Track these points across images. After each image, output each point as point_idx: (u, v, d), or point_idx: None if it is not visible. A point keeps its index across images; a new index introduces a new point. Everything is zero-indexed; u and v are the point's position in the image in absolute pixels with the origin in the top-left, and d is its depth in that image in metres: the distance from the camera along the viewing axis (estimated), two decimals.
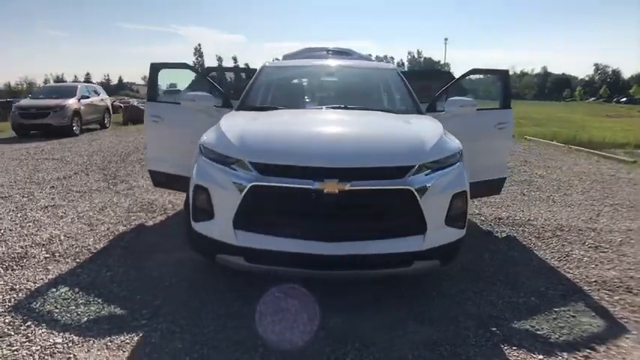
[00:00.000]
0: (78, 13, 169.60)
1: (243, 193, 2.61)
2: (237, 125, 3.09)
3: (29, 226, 4.27)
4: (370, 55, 7.05)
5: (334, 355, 2.34)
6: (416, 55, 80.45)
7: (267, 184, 2.60)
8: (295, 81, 4.59)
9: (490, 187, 4.63)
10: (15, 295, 2.88)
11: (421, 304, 2.91)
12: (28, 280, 3.09)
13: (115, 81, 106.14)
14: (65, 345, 2.37)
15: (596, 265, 3.65)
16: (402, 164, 2.66)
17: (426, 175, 2.70)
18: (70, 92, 13.39)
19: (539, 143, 11.92)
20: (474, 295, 3.07)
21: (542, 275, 3.43)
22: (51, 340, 2.40)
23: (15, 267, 3.32)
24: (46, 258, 3.50)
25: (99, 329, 2.54)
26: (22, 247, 3.69)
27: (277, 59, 6.30)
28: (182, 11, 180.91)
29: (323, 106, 3.80)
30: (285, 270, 2.71)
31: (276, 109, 3.75)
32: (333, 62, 4.75)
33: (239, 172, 2.68)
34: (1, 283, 3.04)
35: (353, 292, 3.00)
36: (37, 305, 2.77)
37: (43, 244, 3.77)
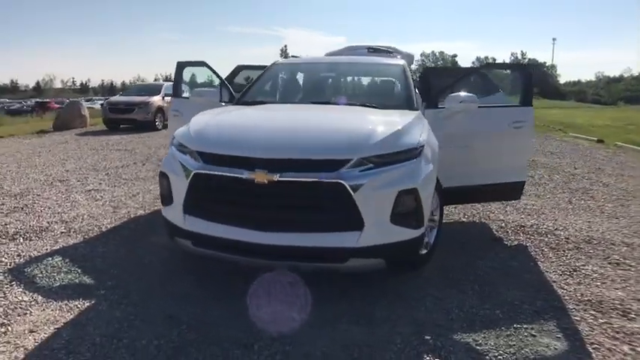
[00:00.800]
0: (190, 17, 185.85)
1: (189, 180, 2.77)
2: (203, 118, 3.26)
3: (66, 205, 4.90)
4: (412, 54, 6.79)
5: (245, 342, 2.38)
6: (519, 57, 74.44)
7: (207, 172, 2.72)
8: (298, 77, 4.65)
9: (504, 191, 4.25)
10: (17, 261, 3.37)
11: (368, 304, 2.80)
12: (35, 250, 3.59)
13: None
14: (29, 303, 2.73)
15: (603, 283, 3.17)
16: (334, 157, 2.59)
17: (365, 170, 2.59)
18: (155, 90, 14.90)
19: (631, 151, 10.43)
20: (432, 301, 2.87)
21: (528, 288, 3.07)
22: (19, 298, 2.79)
23: (33, 238, 3.86)
24: (62, 233, 4.01)
25: (63, 294, 2.87)
26: (48, 222, 4.27)
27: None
28: (287, 15, 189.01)
29: (309, 102, 3.83)
30: (225, 256, 2.80)
31: (263, 103, 3.86)
32: (343, 59, 4.73)
33: (190, 160, 2.84)
34: (13, 250, 3.57)
35: (315, 284, 2.95)
36: (28, 270, 3.22)
37: (66, 221, 4.31)
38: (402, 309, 2.76)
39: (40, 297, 2.82)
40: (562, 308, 2.80)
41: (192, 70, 5.95)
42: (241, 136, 2.87)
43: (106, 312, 2.66)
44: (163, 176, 3.03)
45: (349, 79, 4.44)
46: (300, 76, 4.63)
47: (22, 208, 4.72)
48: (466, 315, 2.70)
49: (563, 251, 3.80)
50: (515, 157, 4.17)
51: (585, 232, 4.28)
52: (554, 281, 3.20)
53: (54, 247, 3.65)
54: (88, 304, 2.75)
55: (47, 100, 26.58)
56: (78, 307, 2.70)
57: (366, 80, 4.28)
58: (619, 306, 2.83)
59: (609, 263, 3.55)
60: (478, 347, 2.38)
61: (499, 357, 2.30)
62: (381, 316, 2.68)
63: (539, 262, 3.56)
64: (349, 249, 2.59)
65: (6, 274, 3.13)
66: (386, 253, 2.70)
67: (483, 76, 5.18)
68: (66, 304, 2.73)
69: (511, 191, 4.28)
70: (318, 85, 4.41)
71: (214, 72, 4.66)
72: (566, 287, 3.10)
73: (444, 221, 4.59)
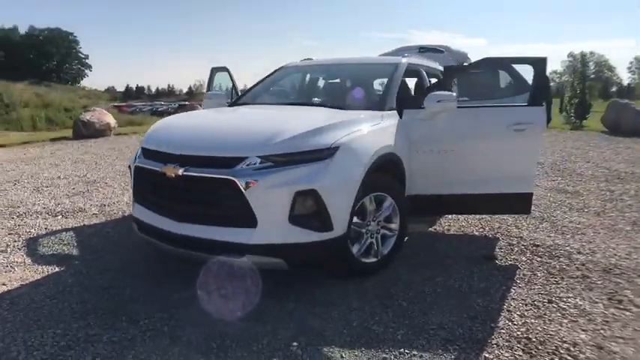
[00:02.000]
0: (329, 24, 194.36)
1: (132, 171, 3.15)
2: (163, 120, 3.62)
3: (105, 192, 5.76)
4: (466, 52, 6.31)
5: (137, 318, 2.60)
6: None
7: (141, 165, 3.04)
8: (295, 79, 4.71)
9: (504, 203, 3.71)
10: (40, 232, 4.15)
11: (284, 301, 2.78)
12: (60, 225, 4.37)
13: None
14: (18, 264, 3.38)
15: (572, 322, 2.58)
16: (231, 155, 2.65)
17: (260, 168, 2.60)
18: None
19: None
20: (344, 310, 2.69)
21: (466, 314, 2.67)
22: (15, 259, 3.47)
23: (69, 216, 4.68)
24: (93, 214, 4.78)
25: (48, 260, 3.48)
26: (90, 205, 5.12)
27: None
28: (427, 19, 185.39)
29: (288, 103, 3.90)
30: (157, 244, 3.07)
31: (245, 104, 4.07)
32: (345, 60, 4.64)
33: (137, 155, 3.20)
34: (46, 224, 4.39)
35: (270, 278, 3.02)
36: (41, 240, 3.95)
37: (101, 205, 5.09)
38: (304, 313, 2.67)
39: (30, 260, 3.47)
40: (484, 343, 2.39)
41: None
42: (170, 135, 3.12)
43: (63, 278, 3.16)
44: (129, 169, 3.45)
45: (340, 80, 4.38)
46: (296, 79, 4.71)
47: (84, 193, 5.72)
48: (362, 330, 2.49)
49: (561, 278, 3.17)
50: (517, 165, 3.60)
51: (615, 260, 3.49)
52: (508, 311, 2.72)
53: (74, 225, 4.39)
54: (58, 270, 3.30)
55: (187, 102, 30.88)
56: (48, 271, 3.26)
57: (356, 81, 4.17)
58: (563, 351, 2.30)
59: (605, 296, 2.88)
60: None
61: None
62: (277, 315, 2.65)
63: (513, 288, 3.04)
64: (243, 245, 2.63)
65: (24, 241, 3.91)
66: (285, 253, 2.66)
67: (514, 74, 4.57)
68: (43, 268, 3.32)
69: (515, 203, 3.70)
70: (308, 86, 4.44)
71: (230, 76, 5.03)
72: (514, 320, 2.61)
73: (452, 232, 4.27)
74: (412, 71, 4.27)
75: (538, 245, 3.83)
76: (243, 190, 2.56)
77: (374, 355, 2.28)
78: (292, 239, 2.64)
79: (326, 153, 2.70)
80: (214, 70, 5.50)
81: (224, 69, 5.29)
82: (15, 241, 3.90)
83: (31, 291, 2.95)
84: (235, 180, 2.57)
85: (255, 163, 2.62)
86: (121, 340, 2.38)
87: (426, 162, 3.56)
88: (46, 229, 4.26)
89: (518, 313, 2.69)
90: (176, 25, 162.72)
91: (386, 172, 3.21)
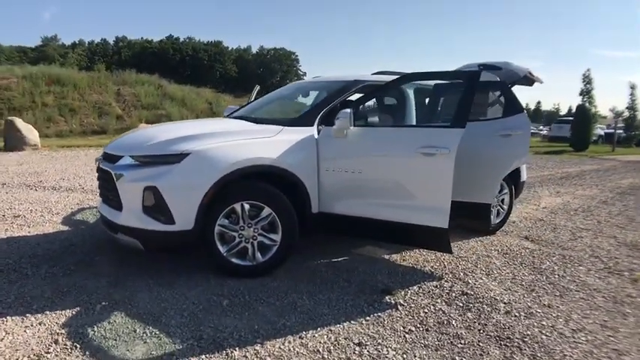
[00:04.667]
0: (555, 41, 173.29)
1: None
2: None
3: None
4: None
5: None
6: None
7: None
8: (285, 95, 4.97)
9: (419, 237, 3.35)
10: (72, 208, 5.49)
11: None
12: (89, 202, 5.72)
13: (564, 111, 79.97)
14: (23, 226, 4.66)
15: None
16: (116, 153, 3.35)
17: (128, 165, 3.21)
18: None
19: None
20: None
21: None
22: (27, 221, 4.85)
23: None
24: None
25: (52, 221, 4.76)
26: None
27: None
28: None
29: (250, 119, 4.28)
30: None
31: (233, 119, 4.55)
32: (322, 80, 4.71)
33: None
34: (78, 200, 5.85)
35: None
36: (59, 205, 5.37)
37: None
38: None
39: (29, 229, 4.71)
40: None
41: None
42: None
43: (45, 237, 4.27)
44: None
45: (307, 98, 4.49)
46: (285, 96, 4.99)
47: None
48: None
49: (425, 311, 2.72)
50: (427, 194, 3.18)
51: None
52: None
53: None
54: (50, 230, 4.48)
55: None
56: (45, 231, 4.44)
57: (315, 99, 4.28)
58: None
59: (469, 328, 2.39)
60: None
61: None
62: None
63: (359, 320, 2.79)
64: (115, 224, 3.28)
65: (58, 211, 5.31)
66: (141, 236, 3.17)
67: (505, 93, 3.90)
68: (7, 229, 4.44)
69: (429, 238, 3.27)
70: (278, 103, 4.71)
71: (255, 91, 5.69)
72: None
73: (404, 263, 3.93)
74: (372, 88, 4.01)
75: (467, 294, 3.25)
76: (115, 181, 3.22)
77: None
78: (145, 226, 3.14)
79: (175, 158, 3.12)
80: (255, 87, 6.23)
81: (256, 86, 5.98)
82: (60, 211, 5.47)
83: (17, 248, 4.25)
84: (111, 172, 3.25)
85: (127, 162, 3.25)
86: None
87: (334, 180, 3.50)
88: (77, 204, 5.76)
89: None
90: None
91: (268, 182, 3.35)
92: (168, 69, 48.19)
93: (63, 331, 2.42)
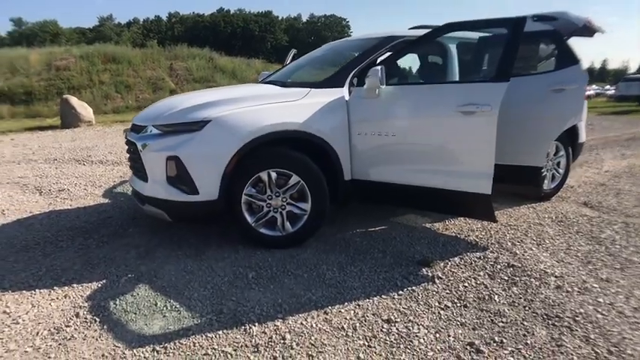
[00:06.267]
0: None
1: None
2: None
3: None
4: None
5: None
6: None
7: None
8: (318, 57, 4.65)
9: (458, 204, 3.08)
10: (115, 180, 5.59)
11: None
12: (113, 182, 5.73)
13: (633, 68, 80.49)
14: (65, 200, 4.84)
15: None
16: (141, 124, 3.26)
17: (152, 135, 3.12)
18: None
19: None
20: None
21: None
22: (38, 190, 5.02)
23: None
24: None
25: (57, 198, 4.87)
26: None
27: None
28: None
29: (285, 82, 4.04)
30: None
31: (263, 84, 4.35)
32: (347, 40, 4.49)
33: None
34: (122, 173, 5.93)
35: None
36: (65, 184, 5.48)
37: None
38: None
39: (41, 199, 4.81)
40: None
41: None
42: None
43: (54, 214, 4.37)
44: None
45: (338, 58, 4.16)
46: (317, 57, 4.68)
47: None
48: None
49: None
50: (468, 157, 2.86)
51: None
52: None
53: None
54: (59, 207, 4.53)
55: None
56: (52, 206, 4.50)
57: (330, 60, 4.00)
58: None
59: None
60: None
61: None
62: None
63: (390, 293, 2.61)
64: (143, 195, 3.25)
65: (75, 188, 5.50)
66: (166, 207, 3.12)
67: (559, 43, 3.41)
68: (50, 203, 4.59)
69: (471, 206, 2.98)
70: (310, 66, 4.41)
71: (291, 56, 5.45)
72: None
73: (447, 233, 3.68)
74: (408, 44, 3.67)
75: (514, 266, 2.95)
76: (140, 151, 3.16)
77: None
78: (169, 197, 3.08)
79: (196, 126, 2.98)
80: (290, 52, 5.97)
81: (292, 50, 5.73)
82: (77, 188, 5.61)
83: (23, 223, 4.38)
84: (136, 142, 3.19)
85: (151, 131, 3.16)
86: None
87: (367, 145, 3.25)
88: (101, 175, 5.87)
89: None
90: None
91: (295, 149, 3.16)
92: (221, 42, 48.62)
93: (86, 304, 2.43)
